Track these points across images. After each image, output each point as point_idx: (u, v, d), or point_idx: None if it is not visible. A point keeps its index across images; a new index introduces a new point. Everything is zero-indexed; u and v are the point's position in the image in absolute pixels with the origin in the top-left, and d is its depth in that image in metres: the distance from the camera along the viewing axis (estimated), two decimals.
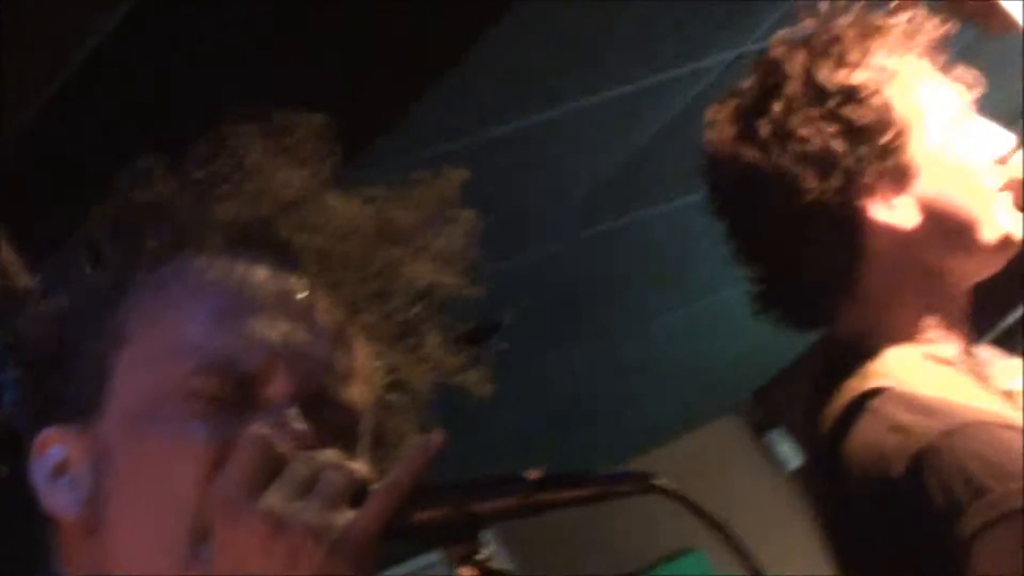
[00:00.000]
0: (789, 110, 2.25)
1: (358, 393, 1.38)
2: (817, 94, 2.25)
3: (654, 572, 6.63)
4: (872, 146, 2.23)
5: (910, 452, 2.05)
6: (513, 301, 4.55)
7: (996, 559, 1.99)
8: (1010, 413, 2.16)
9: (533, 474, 1.23)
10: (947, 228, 2.25)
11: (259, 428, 1.27)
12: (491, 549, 1.25)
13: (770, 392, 6.72)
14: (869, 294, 2.27)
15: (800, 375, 2.36)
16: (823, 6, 2.32)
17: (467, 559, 1.24)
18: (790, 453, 6.98)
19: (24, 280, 1.45)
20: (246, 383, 1.32)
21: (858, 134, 2.23)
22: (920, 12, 2.32)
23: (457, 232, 1.44)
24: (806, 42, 2.30)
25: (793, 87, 2.26)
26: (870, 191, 2.23)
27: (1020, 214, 2.27)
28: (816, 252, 2.25)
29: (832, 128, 2.22)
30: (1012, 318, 5.94)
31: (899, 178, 2.24)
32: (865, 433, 2.13)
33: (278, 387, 1.32)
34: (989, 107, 2.35)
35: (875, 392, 2.15)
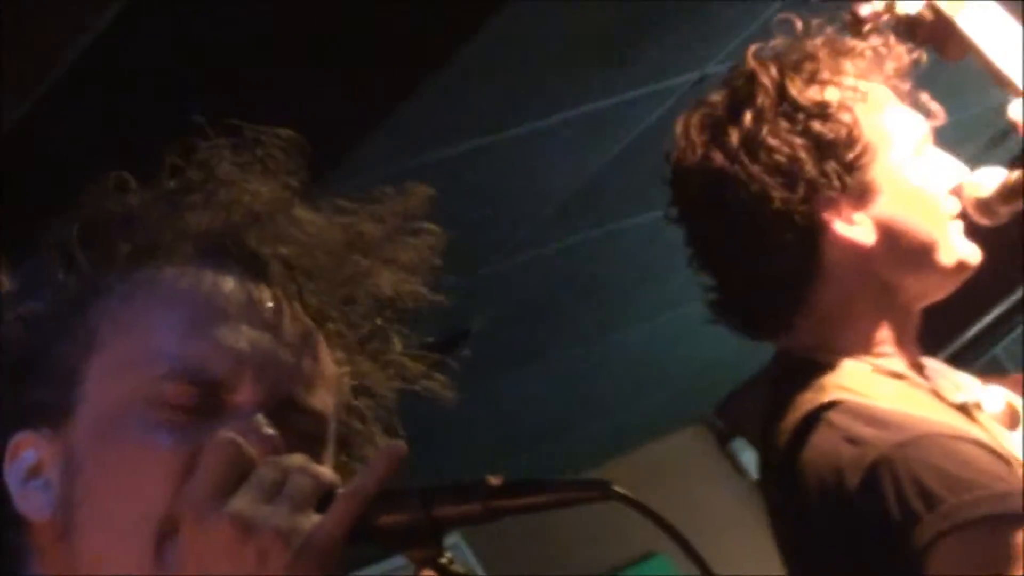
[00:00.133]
0: (760, 121, 2.26)
1: (324, 399, 1.38)
2: (788, 107, 2.26)
3: (620, 575, 6.63)
4: (838, 161, 2.24)
5: (865, 463, 2.06)
6: (480, 312, 4.57)
7: (950, 568, 2.00)
8: (963, 425, 2.17)
9: (494, 480, 1.24)
10: (904, 248, 2.26)
11: (229, 433, 1.27)
12: (457, 554, 1.26)
13: (734, 402, 6.74)
14: (825, 306, 2.28)
15: (763, 386, 2.36)
16: (797, 25, 2.34)
17: (430, 562, 1.25)
18: (753, 461, 7.00)
19: (4, 283, 1.44)
20: (215, 390, 1.32)
21: (825, 149, 2.24)
22: (889, 38, 2.33)
23: (422, 244, 1.45)
24: (780, 58, 2.31)
25: (765, 99, 2.27)
26: (833, 205, 2.24)
27: (972, 243, 2.30)
28: (776, 261, 2.26)
29: (801, 141, 2.24)
30: (967, 335, 5.97)
31: (861, 195, 2.26)
32: (821, 445, 2.13)
33: (246, 393, 1.32)
34: (945, 131, 2.37)
35: (831, 405, 2.16)
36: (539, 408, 5.79)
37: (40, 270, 1.39)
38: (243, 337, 1.34)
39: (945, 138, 2.38)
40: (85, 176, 1.41)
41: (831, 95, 2.27)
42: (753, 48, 2.33)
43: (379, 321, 1.45)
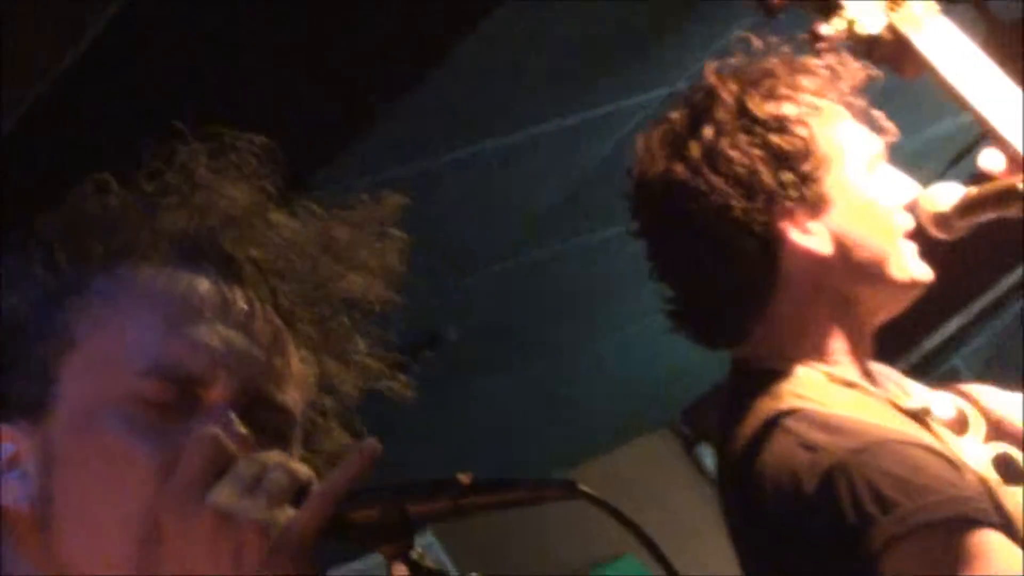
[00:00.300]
0: (720, 133, 2.27)
1: (293, 396, 1.39)
2: (747, 121, 2.27)
3: (591, 575, 6.62)
4: (794, 172, 2.26)
5: (821, 469, 2.06)
6: (454, 320, 4.57)
7: (904, 571, 2.00)
8: (916, 432, 2.18)
9: (464, 478, 1.25)
10: (856, 260, 2.27)
11: (212, 428, 1.28)
12: (428, 551, 1.27)
13: (699, 409, 6.75)
14: (781, 314, 2.29)
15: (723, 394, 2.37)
16: (756, 44, 2.35)
17: (400, 557, 1.26)
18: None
19: None
20: (190, 387, 1.32)
21: (782, 160, 2.26)
22: (846, 57, 2.35)
23: (391, 250, 1.46)
24: (739, 73, 2.33)
25: (725, 113, 2.28)
26: (789, 215, 2.26)
27: (924, 263, 2.31)
28: (736, 270, 2.27)
29: (759, 153, 2.25)
30: (927, 345, 5.99)
31: (815, 206, 2.27)
32: (778, 451, 2.13)
33: (220, 390, 1.33)
34: (898, 149, 2.39)
35: (787, 412, 2.16)
36: (510, 414, 5.79)
37: (19, 267, 1.40)
38: (218, 336, 1.35)
39: (903, 157, 2.39)
40: (84, 176, 1.42)
41: (788, 110, 2.29)
42: (712, 65, 2.35)
43: (346, 322, 1.46)
